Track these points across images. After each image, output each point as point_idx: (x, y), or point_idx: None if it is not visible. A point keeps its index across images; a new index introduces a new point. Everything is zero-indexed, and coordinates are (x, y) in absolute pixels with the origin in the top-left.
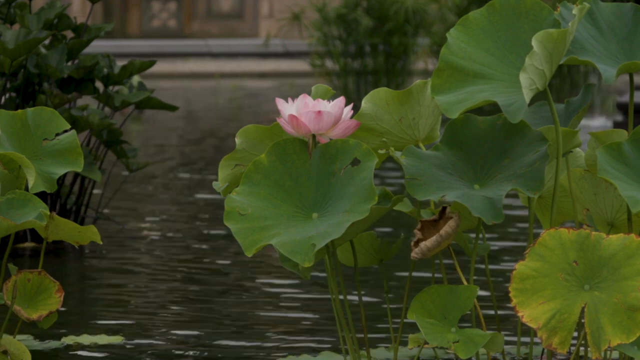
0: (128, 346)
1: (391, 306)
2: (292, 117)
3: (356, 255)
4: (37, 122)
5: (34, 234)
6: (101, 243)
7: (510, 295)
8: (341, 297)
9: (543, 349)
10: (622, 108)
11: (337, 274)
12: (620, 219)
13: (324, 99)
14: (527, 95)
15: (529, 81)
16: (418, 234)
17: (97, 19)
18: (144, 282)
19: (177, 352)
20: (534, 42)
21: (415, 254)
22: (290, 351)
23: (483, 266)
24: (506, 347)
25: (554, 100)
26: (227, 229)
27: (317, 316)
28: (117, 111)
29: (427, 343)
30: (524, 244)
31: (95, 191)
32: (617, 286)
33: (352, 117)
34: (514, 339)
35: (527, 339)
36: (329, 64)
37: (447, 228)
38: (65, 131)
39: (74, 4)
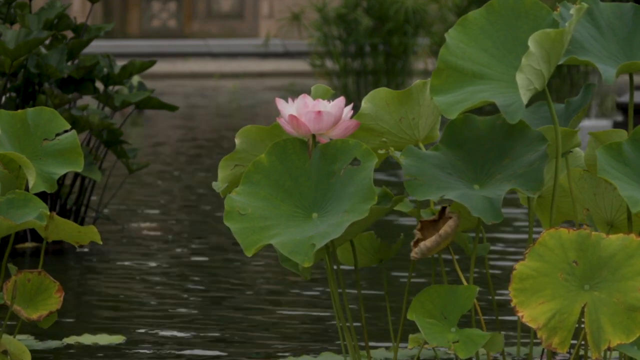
0: (129, 346)
1: (391, 306)
2: (292, 117)
3: (356, 255)
4: (37, 122)
5: (34, 234)
6: (101, 243)
7: (510, 295)
8: (341, 297)
9: (543, 349)
10: (622, 108)
11: (337, 274)
12: (620, 219)
13: (323, 99)
14: (525, 96)
15: (526, 81)
16: (418, 234)
17: (97, 19)
18: (144, 281)
19: (178, 351)
20: (530, 42)
21: (415, 253)
22: (290, 351)
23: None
24: (506, 347)
25: (554, 100)
26: (227, 229)
27: (317, 316)
28: (117, 111)
29: (427, 343)
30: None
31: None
32: (617, 286)
33: (352, 117)
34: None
35: (527, 339)
36: (329, 64)
37: (446, 228)
38: (66, 131)
39: (74, 4)
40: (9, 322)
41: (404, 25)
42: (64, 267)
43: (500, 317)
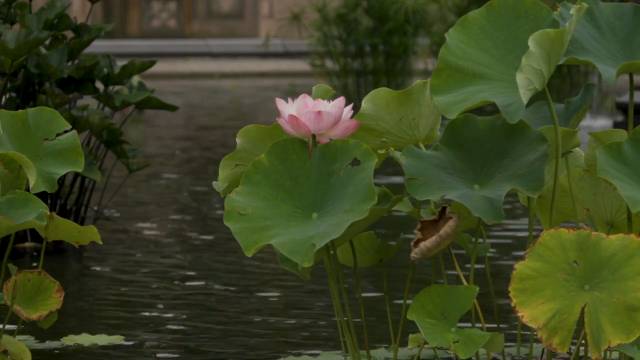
0: (128, 346)
1: (391, 306)
2: (292, 117)
3: (356, 255)
4: (37, 122)
5: (34, 234)
6: (101, 243)
7: (510, 295)
8: (341, 297)
9: (543, 349)
10: (622, 108)
11: (337, 274)
12: (620, 219)
13: (324, 99)
14: (525, 96)
15: (526, 81)
16: (418, 234)
17: (97, 19)
18: (143, 282)
19: (178, 351)
20: (530, 42)
21: (415, 254)
22: (290, 351)
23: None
24: (506, 347)
25: (554, 100)
26: (227, 229)
27: (317, 316)
28: (117, 111)
29: (427, 343)
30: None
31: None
32: (617, 286)
33: (352, 117)
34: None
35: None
36: (329, 64)
37: (446, 228)
38: (66, 131)
39: (74, 4)
40: (8, 323)
41: (404, 25)
42: (64, 267)
43: (499, 317)
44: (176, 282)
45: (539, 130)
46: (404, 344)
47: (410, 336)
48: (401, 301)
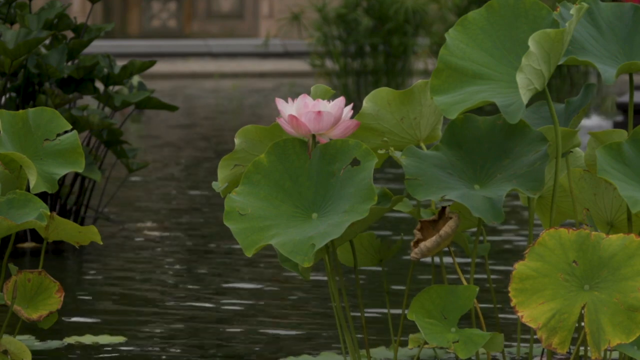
0: (130, 346)
1: (391, 306)
2: (292, 117)
3: (356, 255)
4: (38, 122)
5: (34, 234)
6: (101, 243)
7: (510, 295)
8: (341, 297)
9: (543, 349)
10: (622, 108)
11: (337, 274)
12: (620, 219)
13: (323, 99)
14: (525, 96)
15: (526, 81)
16: (418, 234)
17: (97, 19)
18: (144, 281)
19: (179, 351)
20: (530, 42)
21: (414, 254)
22: (290, 351)
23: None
24: (506, 347)
25: (554, 100)
26: (226, 228)
27: (317, 316)
28: (117, 111)
29: (427, 343)
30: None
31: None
32: (617, 286)
33: (352, 117)
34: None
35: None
36: (329, 64)
37: (446, 228)
38: (66, 131)
39: (74, 4)
40: (8, 323)
41: (404, 25)
42: (64, 267)
43: (500, 316)
44: (177, 281)
45: (539, 130)
46: (404, 344)
47: (410, 336)
48: (401, 303)
